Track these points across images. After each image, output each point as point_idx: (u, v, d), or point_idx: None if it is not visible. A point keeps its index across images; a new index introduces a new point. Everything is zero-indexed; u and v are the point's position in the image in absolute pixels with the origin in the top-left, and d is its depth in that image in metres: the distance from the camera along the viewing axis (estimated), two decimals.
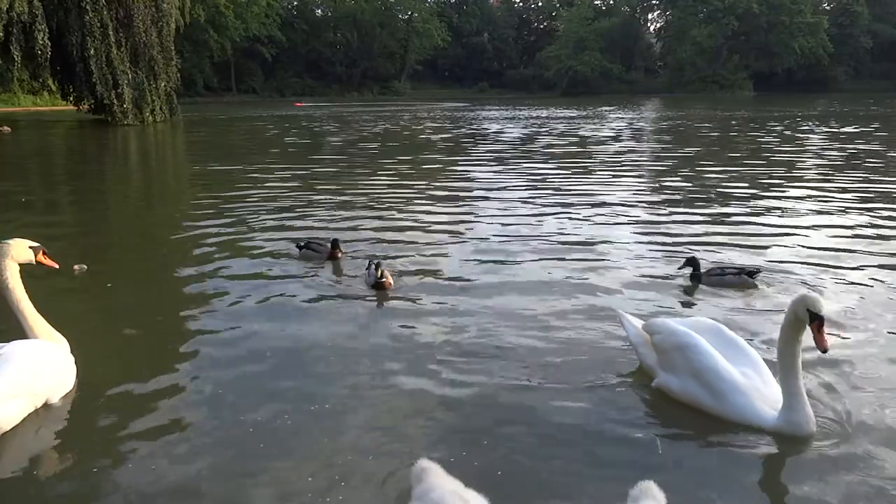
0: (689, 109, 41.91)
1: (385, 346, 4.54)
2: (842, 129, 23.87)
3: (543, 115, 37.19)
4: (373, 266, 5.87)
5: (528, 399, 3.76)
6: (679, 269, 5.98)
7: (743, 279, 5.68)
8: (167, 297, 5.92)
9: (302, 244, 6.89)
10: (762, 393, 3.44)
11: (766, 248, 7.17)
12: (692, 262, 5.88)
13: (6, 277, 3.89)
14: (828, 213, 9.02)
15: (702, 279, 5.76)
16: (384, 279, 5.69)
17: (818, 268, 6.29)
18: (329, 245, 6.73)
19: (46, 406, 3.64)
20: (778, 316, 4.69)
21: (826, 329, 3.18)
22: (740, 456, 3.20)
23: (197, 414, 3.63)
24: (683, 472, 3.07)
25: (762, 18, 79.50)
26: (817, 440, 3.25)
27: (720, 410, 3.46)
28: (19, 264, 3.99)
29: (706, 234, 7.89)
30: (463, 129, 27.08)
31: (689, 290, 5.72)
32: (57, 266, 4.25)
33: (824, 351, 3.17)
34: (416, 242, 7.55)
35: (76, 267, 6.34)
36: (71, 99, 34.34)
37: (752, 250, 7.05)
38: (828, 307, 5.04)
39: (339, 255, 6.65)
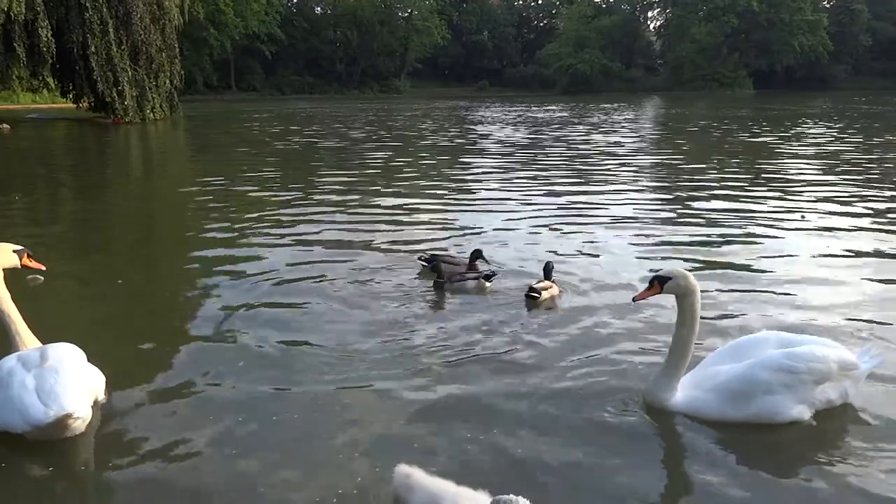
0: (689, 108, 41.84)
1: (397, 353, 4.45)
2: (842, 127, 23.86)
3: (548, 115, 37.14)
4: (439, 263, 5.69)
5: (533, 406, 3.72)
6: (420, 273, 5.69)
7: (480, 283, 5.62)
8: (167, 298, 5.95)
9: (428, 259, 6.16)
10: (700, 379, 3.61)
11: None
12: (436, 267, 5.69)
13: None
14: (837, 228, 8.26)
15: (444, 285, 5.59)
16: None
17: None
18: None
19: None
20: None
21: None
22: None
23: (195, 417, 3.62)
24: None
25: (762, 16, 79.41)
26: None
27: None
28: (4, 270, 3.76)
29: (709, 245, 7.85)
30: (472, 133, 27.03)
31: (434, 298, 5.47)
32: (44, 268, 4.07)
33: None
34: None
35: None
36: (70, 96, 34.33)
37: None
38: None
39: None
